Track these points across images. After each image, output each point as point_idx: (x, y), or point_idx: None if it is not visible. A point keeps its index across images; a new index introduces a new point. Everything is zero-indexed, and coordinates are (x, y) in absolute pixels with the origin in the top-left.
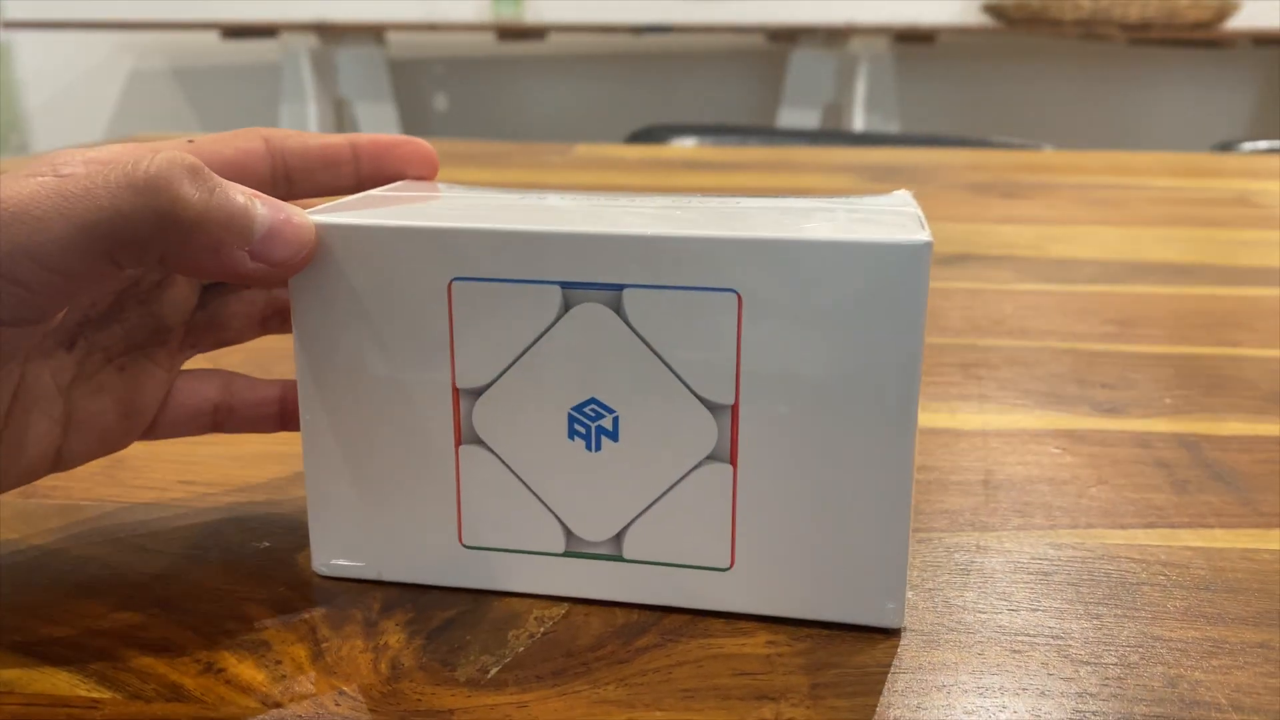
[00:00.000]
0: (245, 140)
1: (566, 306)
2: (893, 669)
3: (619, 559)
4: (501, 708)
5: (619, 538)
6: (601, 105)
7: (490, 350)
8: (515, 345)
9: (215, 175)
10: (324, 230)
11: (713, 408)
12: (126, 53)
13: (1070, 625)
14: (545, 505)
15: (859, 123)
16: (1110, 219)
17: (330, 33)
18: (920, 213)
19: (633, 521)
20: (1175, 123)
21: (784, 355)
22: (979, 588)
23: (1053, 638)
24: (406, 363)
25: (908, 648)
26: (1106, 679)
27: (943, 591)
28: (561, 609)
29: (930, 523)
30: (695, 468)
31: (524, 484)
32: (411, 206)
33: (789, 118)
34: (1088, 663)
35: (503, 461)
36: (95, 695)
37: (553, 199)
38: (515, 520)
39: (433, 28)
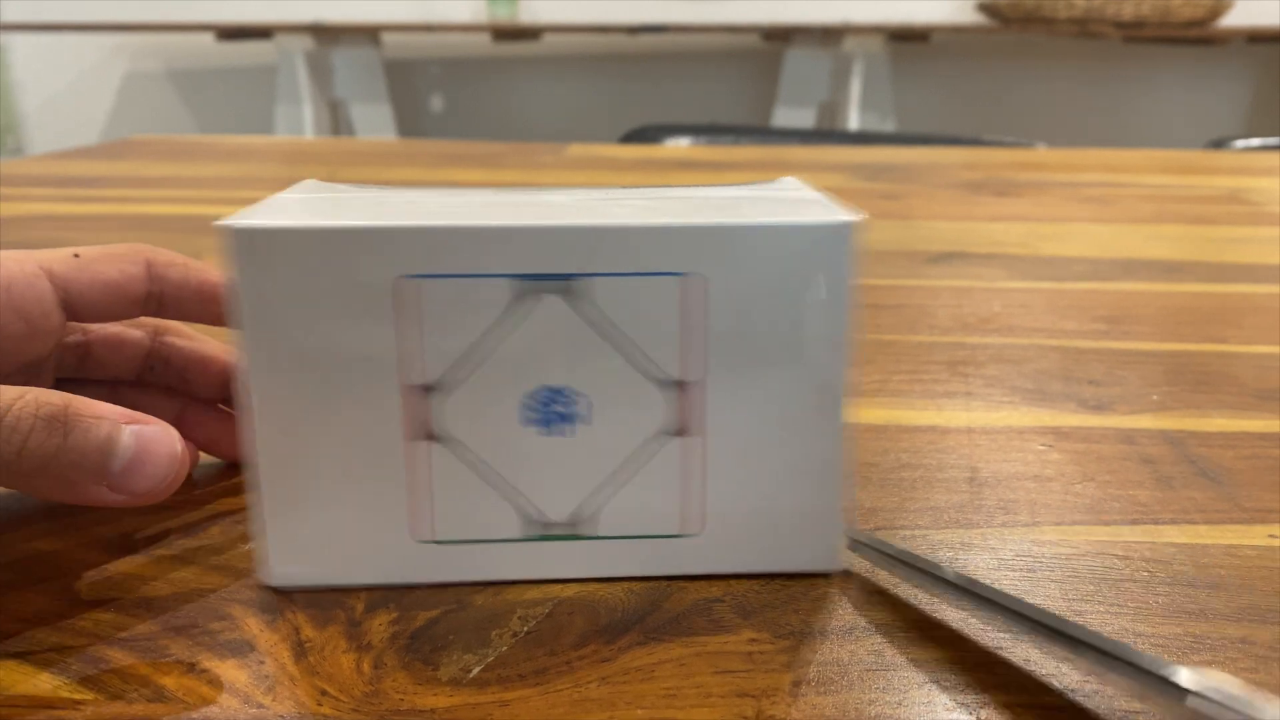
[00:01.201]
0: (130, 264)
1: (517, 297)
2: (874, 666)
3: (578, 537)
4: (483, 707)
5: (577, 517)
6: (597, 105)
7: (441, 345)
8: (466, 338)
9: (78, 412)
10: (273, 234)
11: (663, 385)
12: (122, 54)
13: None
14: (502, 493)
15: (854, 122)
16: (1101, 216)
17: (325, 34)
18: (825, 195)
19: (590, 500)
20: (1169, 120)
21: (729, 331)
22: None
23: None
24: (355, 363)
25: (889, 645)
26: (1088, 675)
27: (926, 588)
28: (545, 608)
29: (915, 520)
30: (648, 443)
31: (480, 474)
32: (349, 206)
33: (784, 117)
34: (1069, 659)
35: (458, 454)
36: (77, 696)
37: (474, 195)
38: (473, 510)
39: (428, 28)
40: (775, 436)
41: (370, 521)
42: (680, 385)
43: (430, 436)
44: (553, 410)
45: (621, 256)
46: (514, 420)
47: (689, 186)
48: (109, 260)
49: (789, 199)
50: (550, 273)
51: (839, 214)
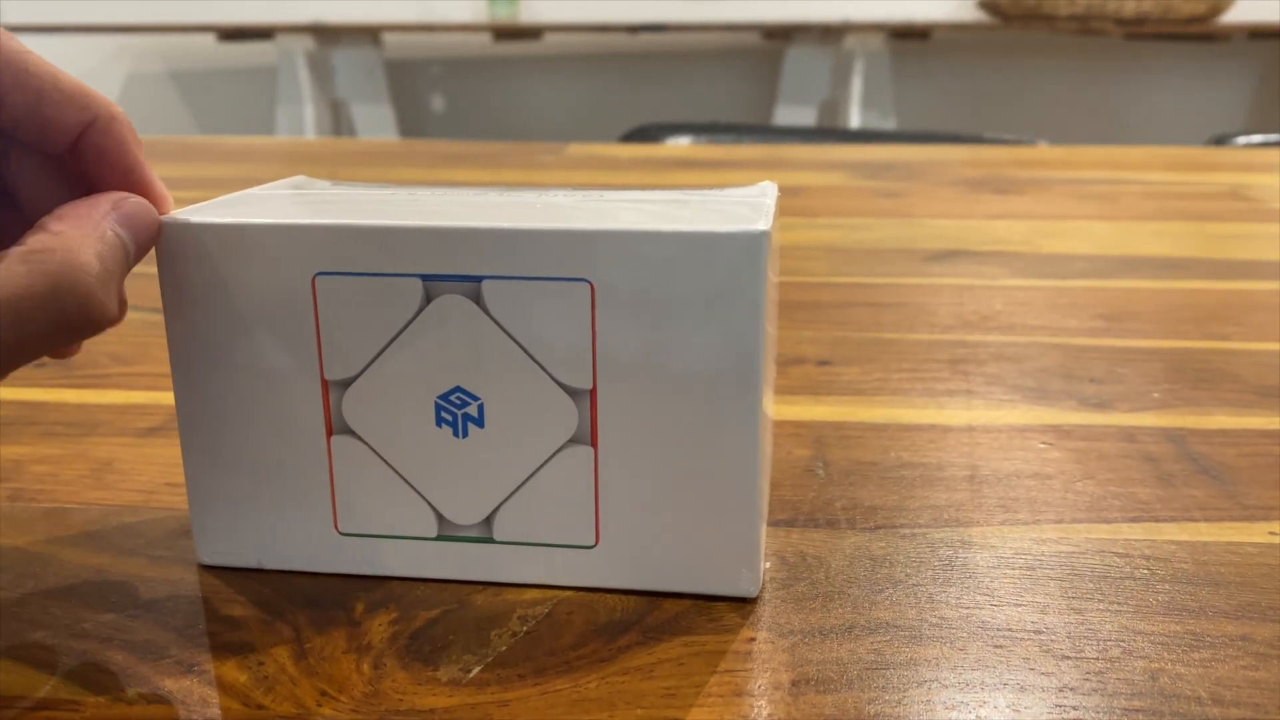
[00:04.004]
0: None
1: (428, 298)
2: (874, 665)
3: (490, 541)
4: (483, 707)
5: (489, 521)
6: (598, 104)
7: (356, 342)
8: (380, 337)
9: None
10: (193, 230)
11: (572, 393)
12: (124, 56)
13: (1052, 620)
14: (417, 491)
15: (855, 120)
16: (1102, 214)
17: (326, 34)
18: (772, 204)
19: (501, 504)
20: (1171, 117)
21: (636, 341)
22: (962, 583)
23: (1034, 632)
24: (276, 356)
25: (890, 643)
26: (1087, 673)
27: (925, 587)
28: (545, 608)
29: (915, 518)
30: (558, 451)
31: (395, 471)
32: (277, 204)
33: (785, 115)
34: (1069, 657)
35: (373, 450)
36: (77, 698)
37: (422, 193)
38: (389, 507)
39: (429, 28)
40: (675, 453)
41: (294, 511)
42: (575, 393)
43: (350, 432)
44: (464, 413)
45: (516, 260)
46: (429, 420)
47: (645, 189)
48: None
49: (723, 206)
50: (455, 274)
51: (748, 224)
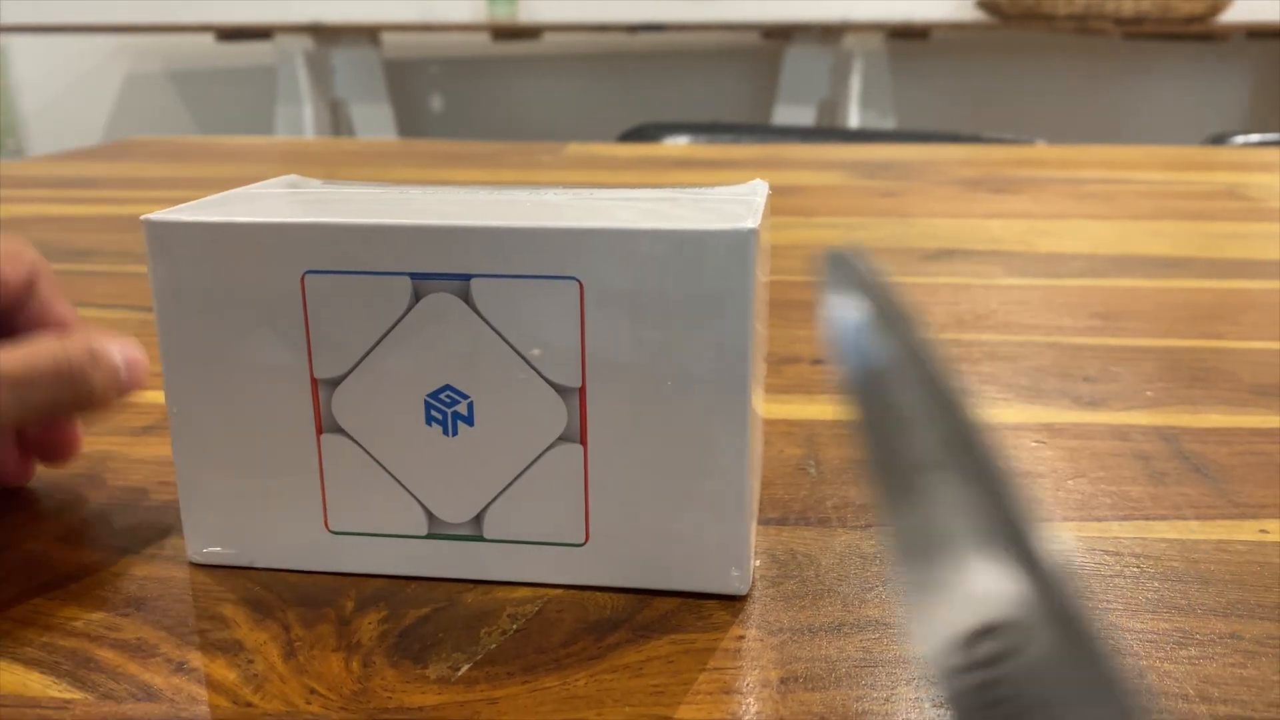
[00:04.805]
0: (15, 263)
1: (417, 296)
2: (863, 663)
3: (480, 539)
4: (471, 705)
5: (479, 519)
6: (598, 104)
7: (346, 341)
8: (370, 335)
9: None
10: (182, 228)
11: (561, 391)
12: (122, 56)
13: None
14: (407, 490)
15: (854, 119)
16: (1100, 213)
17: (325, 34)
18: (763, 202)
19: (491, 503)
20: (1170, 116)
21: (625, 339)
22: None
23: None
24: (266, 354)
25: (879, 641)
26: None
27: None
28: (535, 606)
29: None
30: (548, 449)
31: (385, 470)
32: (266, 203)
33: (784, 115)
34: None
35: (363, 449)
36: (66, 696)
37: (413, 191)
38: (379, 505)
39: (428, 28)
40: (664, 450)
41: (285, 509)
42: (565, 391)
43: (340, 431)
44: (454, 411)
45: (505, 258)
46: (419, 419)
47: (636, 188)
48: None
49: (713, 204)
50: (444, 272)
51: (737, 222)
